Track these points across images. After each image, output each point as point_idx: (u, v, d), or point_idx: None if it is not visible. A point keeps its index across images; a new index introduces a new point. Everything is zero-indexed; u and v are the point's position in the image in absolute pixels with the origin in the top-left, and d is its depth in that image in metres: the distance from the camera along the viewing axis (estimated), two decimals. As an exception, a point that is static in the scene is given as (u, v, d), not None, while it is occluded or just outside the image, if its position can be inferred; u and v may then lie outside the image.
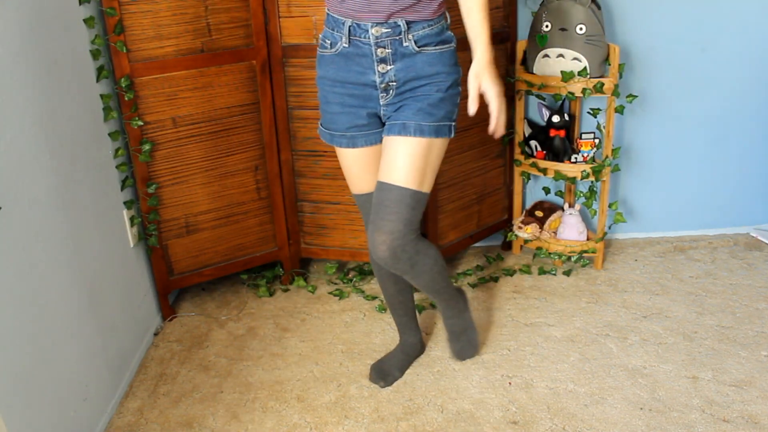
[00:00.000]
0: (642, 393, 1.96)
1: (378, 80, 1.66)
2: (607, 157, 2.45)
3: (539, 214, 2.64)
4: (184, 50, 2.16)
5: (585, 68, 2.34)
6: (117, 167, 2.13)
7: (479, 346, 2.14)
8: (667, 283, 2.51)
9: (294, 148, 2.40)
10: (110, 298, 2.02)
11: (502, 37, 2.45)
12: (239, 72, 2.26)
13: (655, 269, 2.60)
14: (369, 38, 1.62)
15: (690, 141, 2.67)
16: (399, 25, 1.60)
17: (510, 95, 2.54)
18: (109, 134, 2.09)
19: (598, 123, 2.55)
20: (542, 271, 2.60)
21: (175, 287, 2.40)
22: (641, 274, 2.57)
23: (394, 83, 1.66)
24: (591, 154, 2.49)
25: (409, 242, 1.70)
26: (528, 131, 2.59)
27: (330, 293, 2.54)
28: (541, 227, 2.61)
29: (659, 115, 2.63)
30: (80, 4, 1.95)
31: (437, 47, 1.65)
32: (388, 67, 1.64)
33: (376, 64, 1.64)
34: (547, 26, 2.38)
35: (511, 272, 2.61)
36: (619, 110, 2.44)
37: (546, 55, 2.40)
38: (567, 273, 2.59)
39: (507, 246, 2.78)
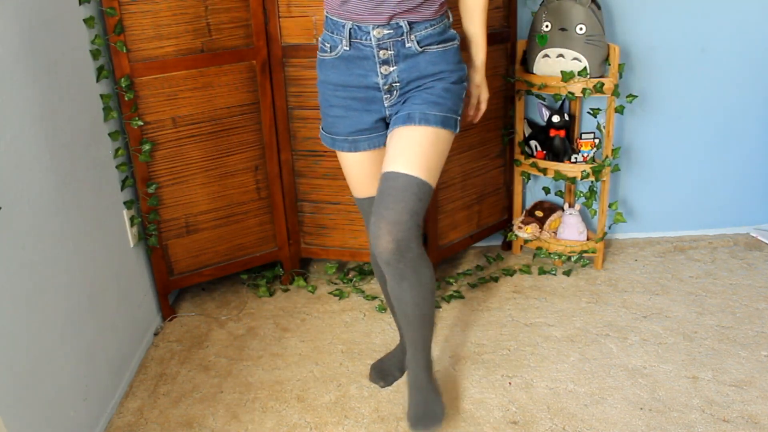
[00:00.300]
0: (642, 393, 1.96)
1: (381, 82, 1.63)
2: (607, 157, 2.45)
3: (539, 214, 2.65)
4: (184, 50, 2.16)
5: (585, 68, 2.34)
6: (117, 167, 2.13)
7: (442, 418, 1.80)
8: (667, 283, 2.51)
9: (294, 148, 2.40)
10: (110, 298, 2.02)
11: (502, 37, 2.45)
12: (239, 72, 2.26)
13: (655, 269, 2.60)
14: (371, 40, 1.59)
15: (690, 141, 2.67)
16: (401, 26, 1.58)
17: (510, 95, 2.55)
18: (109, 134, 2.09)
19: (598, 123, 2.55)
20: (542, 271, 2.60)
21: (175, 287, 2.40)
22: (641, 274, 2.57)
23: (398, 84, 1.64)
24: (591, 154, 2.49)
25: (414, 239, 1.59)
26: (528, 131, 2.59)
27: (330, 293, 2.54)
28: (541, 227, 2.62)
29: (659, 115, 2.63)
30: (80, 4, 1.95)
31: (440, 46, 1.63)
32: (391, 69, 1.62)
33: (378, 66, 1.62)
34: (547, 26, 2.38)
35: (511, 272, 2.61)
36: (619, 110, 2.44)
37: (546, 55, 2.40)
38: (567, 273, 2.59)
39: (507, 246, 2.78)
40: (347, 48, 1.62)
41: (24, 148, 1.61)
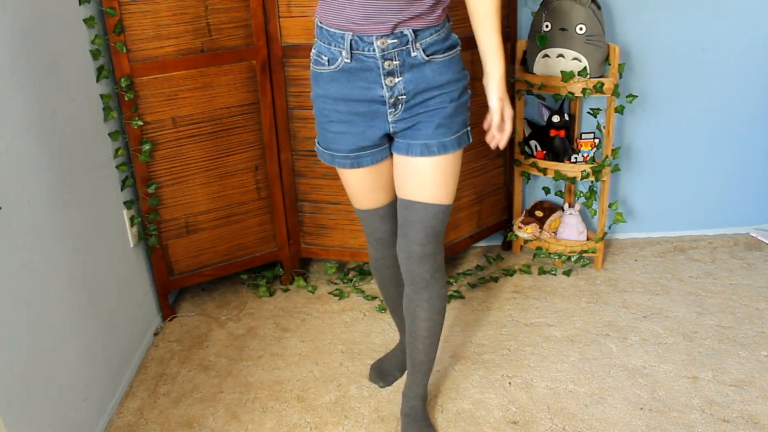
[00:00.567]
0: (642, 393, 1.96)
1: (387, 95, 1.54)
2: (607, 157, 2.45)
3: (539, 214, 2.65)
4: (184, 50, 2.16)
5: (585, 68, 2.34)
6: (117, 167, 2.13)
7: None
8: (667, 283, 2.51)
9: (294, 148, 2.40)
10: (110, 298, 2.02)
11: (502, 37, 2.43)
12: (239, 72, 2.26)
13: (655, 269, 2.60)
14: (374, 51, 1.50)
15: (690, 141, 2.67)
16: (406, 35, 1.49)
17: (510, 95, 2.55)
18: (109, 134, 2.09)
19: (598, 123, 2.55)
20: (542, 271, 2.60)
21: (175, 287, 2.40)
22: (641, 274, 2.57)
23: (404, 96, 1.54)
24: (591, 154, 2.49)
25: (439, 252, 1.68)
26: (528, 131, 2.59)
27: (330, 293, 2.54)
28: (541, 227, 2.62)
29: (659, 115, 2.63)
30: (80, 4, 1.95)
31: (446, 54, 1.56)
32: (396, 80, 1.53)
33: (383, 78, 1.52)
34: (547, 26, 2.38)
35: (511, 272, 2.61)
36: (619, 110, 2.44)
37: (546, 55, 2.40)
38: (567, 273, 2.59)
39: (507, 246, 2.78)
40: (348, 60, 1.52)
41: (24, 148, 1.61)
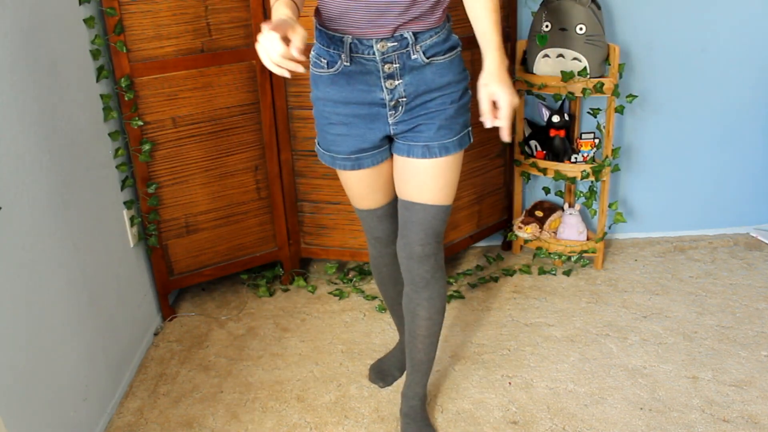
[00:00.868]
0: (642, 393, 1.96)
1: (387, 98, 1.53)
2: (607, 157, 2.45)
3: (539, 214, 2.65)
4: (184, 50, 2.16)
5: (585, 68, 2.34)
6: (117, 167, 2.13)
7: None
8: (667, 283, 2.51)
9: (294, 148, 2.40)
10: (110, 298, 2.02)
11: (502, 37, 2.44)
12: (239, 72, 2.26)
13: (655, 269, 2.60)
14: (374, 54, 1.49)
15: (690, 141, 2.67)
16: (406, 38, 1.48)
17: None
18: (109, 134, 2.09)
19: (598, 123, 2.55)
20: (542, 271, 2.60)
21: (175, 287, 2.41)
22: (641, 274, 2.57)
23: (404, 99, 1.53)
24: (591, 154, 2.49)
25: (440, 251, 1.68)
26: (528, 131, 2.59)
27: (330, 293, 2.54)
28: (541, 227, 2.62)
29: (659, 115, 2.63)
30: (80, 4, 1.95)
31: (446, 56, 1.54)
32: (397, 83, 1.52)
33: (383, 80, 1.51)
34: (547, 26, 2.38)
35: (511, 272, 2.61)
36: (619, 110, 2.44)
37: (546, 55, 2.40)
38: (567, 273, 2.59)
39: (507, 246, 2.78)
40: (348, 63, 1.51)
41: (24, 148, 1.61)
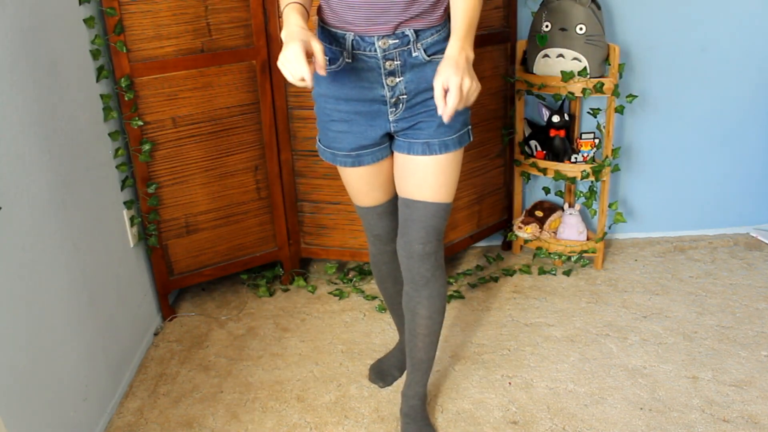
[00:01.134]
0: (642, 393, 1.96)
1: (388, 95, 1.54)
2: (607, 157, 2.45)
3: (539, 214, 2.65)
4: (184, 50, 2.16)
5: (585, 68, 2.34)
6: (117, 167, 2.13)
7: None
8: (667, 283, 2.51)
9: (294, 148, 2.40)
10: (110, 298, 2.02)
11: (502, 37, 2.44)
12: (239, 72, 2.26)
13: (655, 269, 2.60)
14: (375, 51, 1.50)
15: (690, 141, 2.67)
16: (407, 35, 1.49)
17: (510, 95, 2.55)
18: (109, 134, 2.09)
19: (598, 123, 2.55)
20: (542, 271, 2.60)
21: (175, 287, 2.41)
22: (641, 274, 2.57)
23: (405, 96, 1.54)
24: (591, 154, 2.49)
25: (440, 249, 1.68)
26: (528, 131, 2.59)
27: (330, 293, 2.54)
28: (541, 227, 2.62)
29: (659, 115, 2.63)
30: (80, 4, 1.95)
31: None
32: (397, 80, 1.53)
33: (384, 77, 1.53)
34: (547, 26, 2.38)
35: (511, 272, 2.61)
36: (619, 110, 2.44)
37: (546, 55, 2.40)
38: (567, 273, 2.59)
39: (507, 246, 2.78)
40: (349, 60, 1.52)
41: (24, 148, 1.61)
